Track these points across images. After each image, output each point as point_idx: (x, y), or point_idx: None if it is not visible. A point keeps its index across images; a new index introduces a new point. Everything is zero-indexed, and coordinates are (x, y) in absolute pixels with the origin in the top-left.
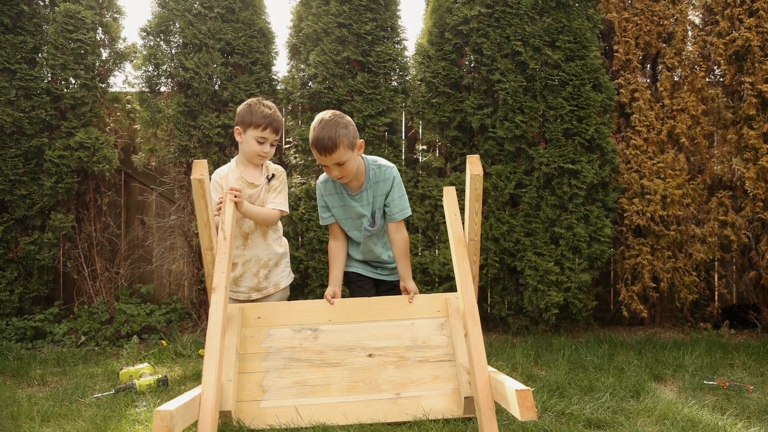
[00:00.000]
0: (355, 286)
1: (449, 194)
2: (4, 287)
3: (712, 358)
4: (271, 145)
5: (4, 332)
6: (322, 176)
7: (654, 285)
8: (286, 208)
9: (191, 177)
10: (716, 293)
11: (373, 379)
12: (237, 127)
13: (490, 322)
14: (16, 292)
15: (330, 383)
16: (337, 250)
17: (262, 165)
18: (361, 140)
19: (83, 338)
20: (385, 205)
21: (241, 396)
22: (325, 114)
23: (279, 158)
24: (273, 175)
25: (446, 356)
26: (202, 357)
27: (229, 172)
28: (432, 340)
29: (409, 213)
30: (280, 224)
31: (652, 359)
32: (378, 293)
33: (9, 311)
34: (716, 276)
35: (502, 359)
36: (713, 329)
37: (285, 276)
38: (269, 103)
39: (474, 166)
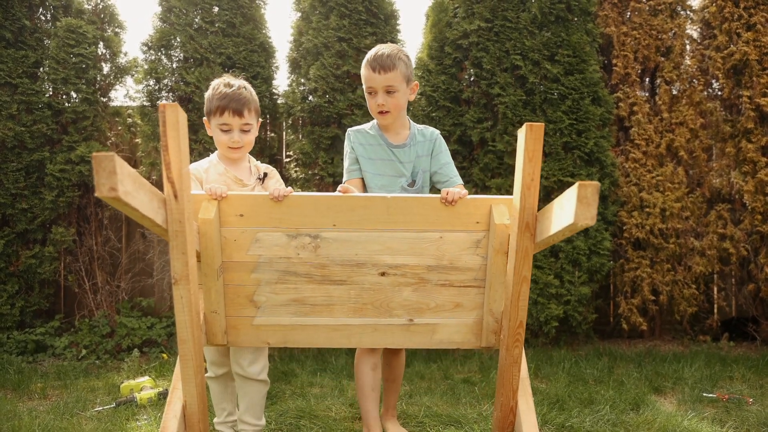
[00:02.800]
0: None
1: (535, 134)
2: (5, 301)
3: (711, 370)
4: (242, 131)
5: (5, 346)
6: (354, 127)
7: (653, 298)
8: None
9: (97, 195)
10: (715, 306)
11: (384, 302)
12: (204, 118)
13: None
14: (17, 306)
15: (333, 303)
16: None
17: (250, 164)
18: (416, 83)
19: (84, 352)
20: (435, 172)
21: (229, 311)
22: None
23: (279, 172)
24: (266, 174)
25: (475, 281)
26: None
27: (210, 167)
28: (461, 261)
29: (461, 181)
30: None
31: (651, 372)
32: None
33: (10, 325)
34: (715, 289)
35: None
36: (712, 342)
37: None
38: (235, 80)
39: (586, 208)
